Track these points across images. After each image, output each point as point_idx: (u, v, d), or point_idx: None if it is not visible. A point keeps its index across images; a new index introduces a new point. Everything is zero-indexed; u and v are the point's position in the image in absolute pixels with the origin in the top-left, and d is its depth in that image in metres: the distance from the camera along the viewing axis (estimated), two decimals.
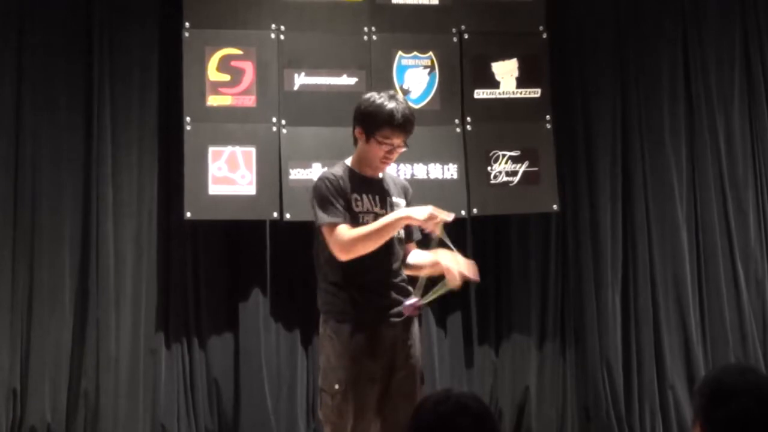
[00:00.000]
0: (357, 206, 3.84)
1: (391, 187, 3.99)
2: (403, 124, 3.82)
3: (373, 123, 3.83)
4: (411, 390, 3.83)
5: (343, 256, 3.75)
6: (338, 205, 3.79)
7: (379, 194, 3.92)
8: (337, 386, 3.74)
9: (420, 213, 3.77)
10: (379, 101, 3.84)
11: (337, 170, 3.90)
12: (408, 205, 3.98)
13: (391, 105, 3.82)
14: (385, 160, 3.88)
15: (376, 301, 3.82)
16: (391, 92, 3.96)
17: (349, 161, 3.95)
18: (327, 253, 3.83)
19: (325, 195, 3.81)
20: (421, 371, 3.96)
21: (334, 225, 3.76)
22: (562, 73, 6.21)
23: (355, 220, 3.82)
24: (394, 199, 3.95)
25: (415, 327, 3.95)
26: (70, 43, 5.75)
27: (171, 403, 5.65)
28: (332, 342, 3.79)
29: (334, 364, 3.76)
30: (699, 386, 2.35)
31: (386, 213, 3.87)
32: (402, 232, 3.93)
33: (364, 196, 3.87)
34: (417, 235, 4.03)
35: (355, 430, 3.76)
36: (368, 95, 3.93)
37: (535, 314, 6.09)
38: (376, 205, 3.89)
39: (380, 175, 3.97)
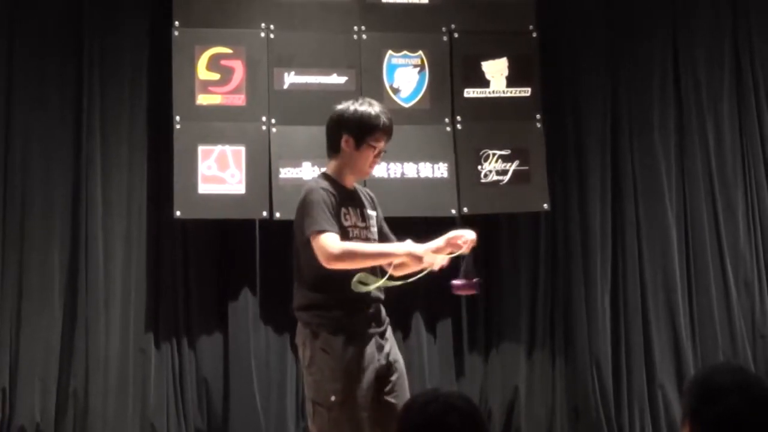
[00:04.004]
0: (346, 220, 3.83)
1: (364, 200, 4.00)
2: (390, 126, 3.92)
3: (365, 129, 3.86)
4: (403, 393, 3.85)
5: (328, 263, 3.72)
6: (330, 215, 3.77)
7: (360, 207, 3.93)
8: (333, 398, 3.72)
9: (427, 257, 3.76)
10: (362, 108, 3.89)
11: (326, 183, 3.88)
12: (378, 215, 4.02)
13: (376, 109, 3.90)
14: (373, 164, 3.95)
15: (364, 311, 3.81)
16: (364, 99, 4.01)
17: (329, 173, 3.94)
18: (314, 265, 3.79)
19: (320, 203, 3.77)
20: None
21: (324, 231, 3.73)
22: (552, 73, 6.21)
23: (345, 235, 3.80)
24: (368, 211, 3.97)
25: (390, 329, 3.96)
26: (60, 42, 5.74)
27: (160, 402, 5.64)
28: (325, 354, 3.75)
29: (329, 375, 3.73)
30: (688, 385, 2.35)
31: (366, 226, 3.89)
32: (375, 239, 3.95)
33: (351, 209, 3.88)
34: (391, 238, 4.04)
35: None
36: (345, 105, 3.94)
37: (525, 314, 6.09)
38: (359, 219, 3.89)
39: (353, 186, 3.98)
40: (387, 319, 3.94)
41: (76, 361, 5.54)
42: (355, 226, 3.85)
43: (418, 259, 3.76)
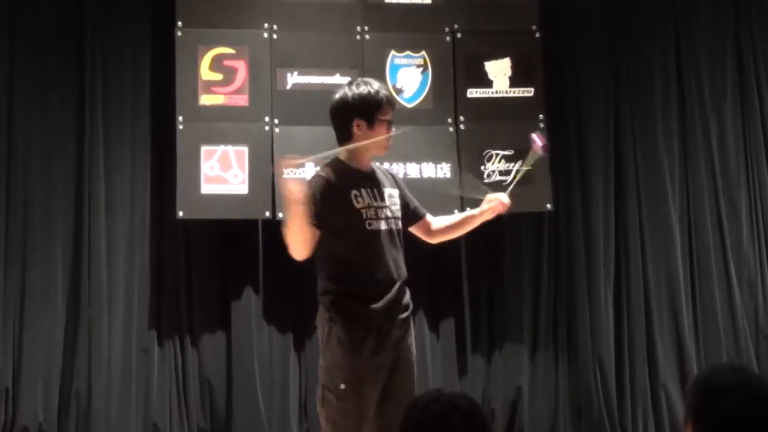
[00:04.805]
0: (358, 202, 3.85)
1: (383, 179, 4.02)
2: (392, 97, 4.05)
3: (372, 108, 3.91)
4: (411, 388, 3.86)
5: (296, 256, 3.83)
6: (320, 206, 3.78)
7: (377, 187, 3.95)
8: (343, 386, 3.73)
9: (284, 189, 3.76)
10: (360, 89, 3.93)
11: (328, 170, 3.90)
12: (401, 192, 4.04)
13: (374, 86, 3.95)
14: (389, 137, 3.96)
15: (383, 299, 3.82)
16: (357, 80, 4.05)
17: (342, 158, 3.95)
18: (326, 254, 3.84)
19: (312, 195, 3.80)
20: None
21: None
22: (555, 73, 6.21)
23: (358, 217, 3.83)
24: (388, 190, 3.98)
25: (412, 323, 3.97)
26: (62, 42, 5.74)
27: (163, 402, 5.64)
28: (340, 341, 3.77)
29: (341, 363, 3.75)
30: (690, 385, 2.35)
31: (383, 205, 3.89)
32: (400, 223, 3.96)
33: (363, 190, 3.89)
34: (422, 211, 4.13)
35: (357, 431, 3.76)
36: (342, 91, 3.97)
37: (528, 314, 6.09)
38: (375, 199, 3.90)
39: (370, 167, 4.00)
40: (410, 305, 3.93)
41: (79, 361, 5.54)
42: (369, 207, 3.85)
43: (290, 198, 3.72)
